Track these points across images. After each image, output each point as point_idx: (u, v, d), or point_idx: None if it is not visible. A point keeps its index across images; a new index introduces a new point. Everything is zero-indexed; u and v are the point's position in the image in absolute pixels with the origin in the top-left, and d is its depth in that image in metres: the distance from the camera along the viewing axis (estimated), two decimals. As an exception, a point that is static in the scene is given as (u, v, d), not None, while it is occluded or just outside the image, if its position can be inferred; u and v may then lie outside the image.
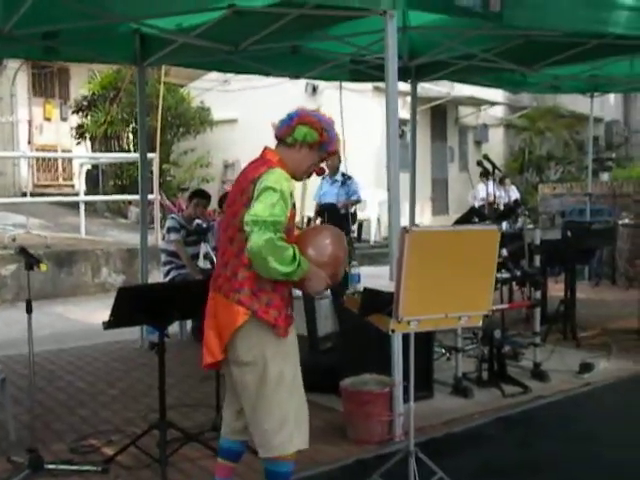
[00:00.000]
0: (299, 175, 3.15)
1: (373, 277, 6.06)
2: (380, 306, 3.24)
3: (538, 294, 5.77)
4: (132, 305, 3.68)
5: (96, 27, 5.77)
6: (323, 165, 3.25)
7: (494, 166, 6.08)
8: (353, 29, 5.86)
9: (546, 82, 8.66)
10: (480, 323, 3.51)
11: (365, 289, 3.37)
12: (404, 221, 5.07)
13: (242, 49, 5.94)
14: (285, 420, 3.01)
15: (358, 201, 9.13)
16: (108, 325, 3.62)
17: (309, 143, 3.08)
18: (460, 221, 5.58)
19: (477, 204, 14.56)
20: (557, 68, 7.57)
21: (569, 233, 6.71)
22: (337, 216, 8.17)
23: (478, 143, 20.73)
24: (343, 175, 8.83)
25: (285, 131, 3.11)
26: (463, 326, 3.72)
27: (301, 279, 2.94)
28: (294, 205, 3.03)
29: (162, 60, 6.81)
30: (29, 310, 3.69)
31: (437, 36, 6.38)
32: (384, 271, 7.18)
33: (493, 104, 19.99)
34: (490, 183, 14.94)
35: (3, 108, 15.24)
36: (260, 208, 2.85)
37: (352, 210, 8.89)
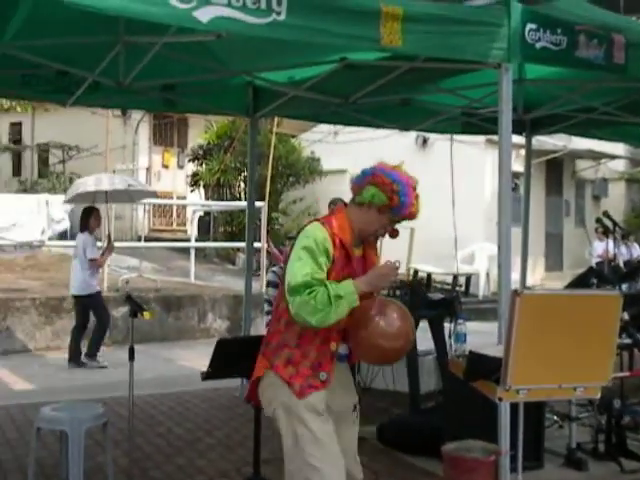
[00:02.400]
0: (365, 235, 2.99)
1: (481, 333, 5.84)
2: (487, 372, 3.05)
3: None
4: (230, 358, 3.64)
5: (211, 80, 5.97)
6: (397, 227, 3.05)
7: (615, 223, 5.81)
8: (465, 82, 5.74)
9: (673, 136, 8.21)
10: (598, 395, 3.26)
11: (471, 353, 3.20)
12: (515, 276, 4.84)
13: (352, 101, 5.94)
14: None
15: None
16: (206, 376, 3.60)
17: (377, 206, 2.91)
18: (577, 281, 5.30)
19: (594, 261, 13.98)
20: (684, 120, 7.17)
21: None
22: None
23: (596, 197, 20.00)
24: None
25: (356, 188, 2.99)
26: (578, 397, 3.47)
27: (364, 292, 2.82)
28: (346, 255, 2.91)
29: (273, 112, 6.93)
30: (131, 357, 3.72)
31: (554, 88, 6.16)
32: (493, 327, 6.94)
33: (613, 157, 19.27)
34: (609, 240, 14.38)
35: (126, 156, 16.00)
36: (291, 274, 2.80)
37: None
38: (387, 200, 2.88)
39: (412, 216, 2.97)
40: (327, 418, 2.90)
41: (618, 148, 18.52)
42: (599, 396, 3.32)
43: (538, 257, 17.45)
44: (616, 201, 19.78)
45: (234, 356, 3.67)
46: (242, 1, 3.18)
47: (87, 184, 8.55)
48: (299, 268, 2.78)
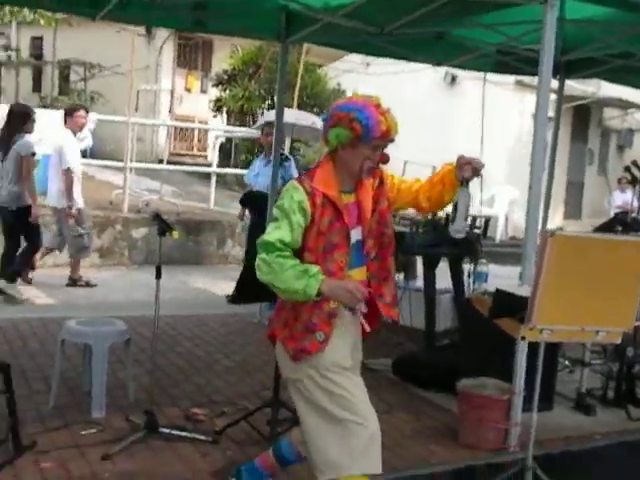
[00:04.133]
0: (358, 176, 2.85)
1: (497, 277, 5.85)
2: (512, 310, 3.07)
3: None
4: (256, 283, 3.65)
5: (244, 1, 5.84)
6: (385, 152, 2.86)
7: (643, 173, 5.73)
8: (504, 18, 5.58)
9: None
10: (619, 340, 3.28)
11: (498, 290, 3.21)
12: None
13: (387, 32, 5.81)
14: (332, 440, 2.77)
15: None
16: (232, 300, 3.63)
17: (346, 143, 2.77)
18: (602, 228, 5.27)
19: (613, 211, 13.90)
20: None
21: None
22: (265, 208, 6.96)
23: (621, 148, 19.70)
24: (281, 154, 7.48)
25: (325, 140, 2.88)
26: (600, 342, 3.49)
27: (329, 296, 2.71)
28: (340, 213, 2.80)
29: (305, 38, 6.80)
30: (159, 276, 3.76)
31: (595, 31, 5.99)
32: (508, 271, 6.97)
33: (641, 108, 18.92)
34: (629, 191, 14.22)
35: (148, 76, 15.83)
36: (266, 232, 2.78)
37: None
38: (350, 132, 2.74)
39: (387, 134, 2.78)
40: (353, 371, 2.89)
41: (647, 98, 18.17)
42: (619, 341, 3.34)
43: (558, 204, 17.32)
44: (640, 152, 19.52)
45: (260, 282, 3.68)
46: None
47: (272, 114, 8.43)
48: (274, 229, 2.75)
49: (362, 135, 2.74)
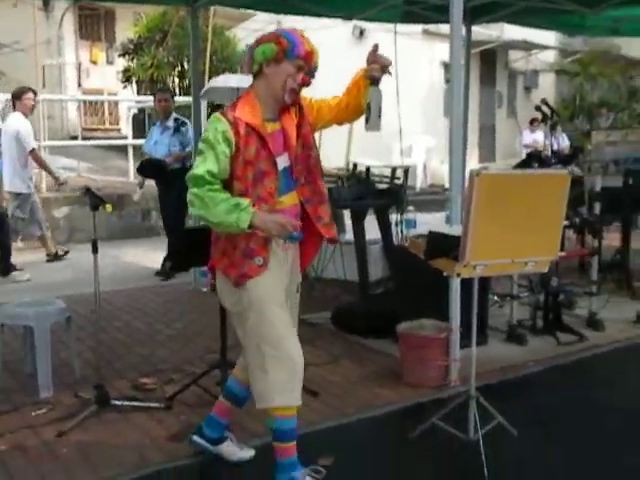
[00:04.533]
0: (282, 97, 2.88)
1: (423, 224, 6.01)
2: (446, 250, 3.21)
3: (596, 242, 5.68)
4: (190, 249, 3.69)
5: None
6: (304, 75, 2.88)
7: (553, 111, 5.96)
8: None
9: (605, 24, 8.35)
10: (547, 269, 3.47)
11: (431, 232, 3.34)
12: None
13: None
14: (262, 371, 2.91)
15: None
16: (169, 271, 3.64)
17: (271, 59, 2.84)
18: (519, 167, 5.48)
19: (523, 151, 14.34)
20: (619, 9, 7.29)
21: (631, 180, 6.52)
22: (166, 176, 7.02)
23: (527, 89, 20.27)
24: (176, 120, 7.37)
25: (248, 64, 2.93)
26: (529, 272, 3.68)
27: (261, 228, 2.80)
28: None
29: (214, 1, 6.72)
30: (95, 250, 3.73)
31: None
32: (432, 218, 7.16)
33: (545, 48, 19.44)
34: (539, 131, 14.64)
35: (51, 51, 15.29)
36: (194, 166, 2.83)
37: (189, 164, 7.08)
38: (276, 46, 2.82)
39: (310, 55, 2.86)
40: (281, 305, 2.95)
41: (549, 39, 18.68)
42: (547, 270, 3.53)
43: (472, 148, 17.71)
44: (546, 92, 20.03)
45: (195, 247, 3.70)
46: None
47: (217, 80, 8.47)
48: (201, 162, 2.80)
49: (287, 49, 2.82)
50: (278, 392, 2.89)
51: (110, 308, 6.05)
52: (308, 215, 3.02)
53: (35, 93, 7.91)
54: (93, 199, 3.63)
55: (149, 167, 7.22)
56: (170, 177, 6.94)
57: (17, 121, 7.58)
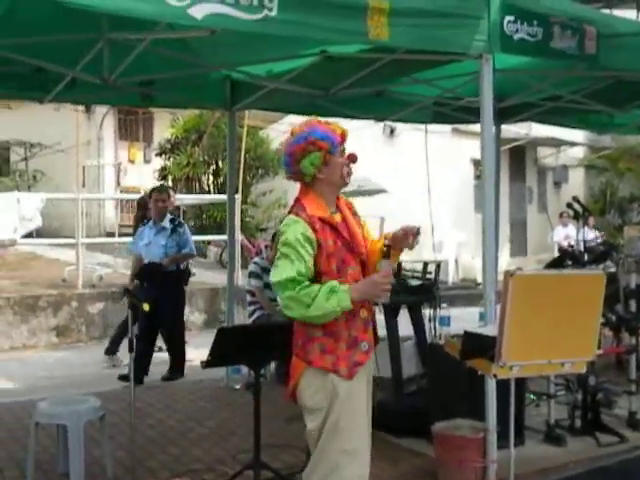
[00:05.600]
0: (340, 185, 3.04)
1: (455, 319, 5.99)
2: (482, 350, 3.20)
3: (633, 340, 5.59)
4: (230, 345, 3.73)
5: (189, 75, 6.00)
6: (350, 153, 3.05)
7: (584, 208, 6.00)
8: (439, 73, 5.88)
9: (634, 122, 8.47)
10: (584, 369, 3.43)
11: (466, 332, 3.34)
12: (479, 263, 4.97)
13: (332, 94, 6.03)
14: (334, 469, 2.94)
15: (192, 255, 7.25)
16: (207, 364, 3.67)
17: (321, 165, 2.95)
18: (553, 264, 5.48)
19: (555, 246, 14.33)
20: (646, 108, 7.41)
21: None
22: (164, 278, 6.67)
23: (557, 184, 20.40)
24: (172, 221, 7.01)
25: (297, 177, 3.04)
26: (566, 372, 3.63)
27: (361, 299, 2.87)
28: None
29: (251, 105, 6.98)
30: (131, 349, 3.78)
31: (524, 78, 6.33)
32: (463, 313, 7.11)
33: (573, 145, 19.67)
34: (570, 225, 14.62)
35: (91, 151, 15.87)
36: (275, 272, 2.90)
37: (183, 267, 7.11)
38: (320, 152, 2.92)
39: (344, 135, 2.99)
40: (368, 399, 3.03)
41: (577, 136, 18.91)
42: (584, 370, 3.49)
43: (504, 243, 17.75)
44: (576, 187, 20.19)
45: (234, 345, 3.75)
46: (235, -2, 3.26)
47: None
48: (288, 265, 2.85)
49: (330, 148, 2.93)
50: None
51: (141, 405, 6.01)
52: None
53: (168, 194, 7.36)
54: (130, 299, 3.70)
55: (149, 272, 6.74)
56: (167, 279, 6.74)
57: None
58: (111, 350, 7.70)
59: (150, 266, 6.77)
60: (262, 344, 3.84)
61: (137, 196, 15.81)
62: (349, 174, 3.02)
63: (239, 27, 3.38)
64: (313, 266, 2.90)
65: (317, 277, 2.90)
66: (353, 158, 3.02)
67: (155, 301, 7.11)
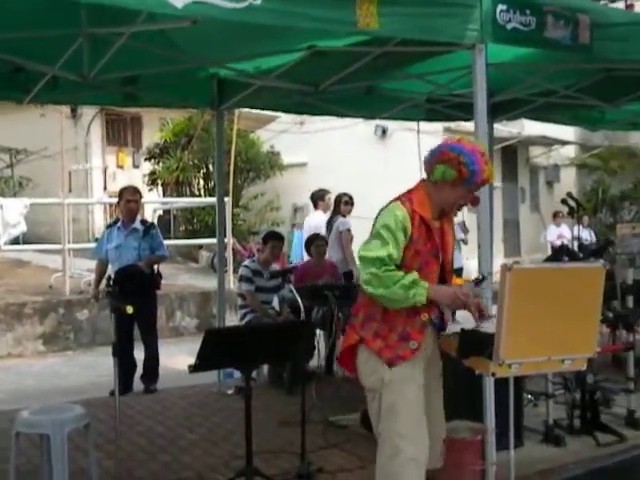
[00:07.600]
0: (448, 209, 3.17)
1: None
2: (479, 348, 3.07)
3: (630, 337, 5.50)
4: (219, 348, 3.59)
5: (174, 72, 5.84)
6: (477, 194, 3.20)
7: (579, 204, 5.92)
8: (433, 67, 5.76)
9: (625, 119, 8.39)
10: (584, 367, 3.31)
11: (463, 330, 3.21)
12: (474, 264, 4.89)
13: (322, 89, 5.89)
14: (396, 452, 3.07)
15: (165, 257, 6.99)
16: (194, 369, 3.53)
17: (449, 181, 3.06)
18: (550, 260, 5.38)
19: (549, 245, 14.28)
20: (637, 103, 7.33)
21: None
22: (141, 281, 6.30)
23: (549, 183, 20.35)
24: (143, 222, 6.76)
25: (427, 169, 3.15)
26: (566, 370, 3.52)
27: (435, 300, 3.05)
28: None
29: (239, 103, 6.85)
30: (115, 353, 3.65)
31: (516, 72, 6.21)
32: (459, 313, 7.00)
33: (564, 143, 19.61)
34: (563, 224, 14.56)
35: (78, 157, 15.70)
36: (367, 247, 3.02)
37: (155, 270, 6.71)
38: (456, 174, 3.02)
39: (486, 182, 3.11)
40: (419, 386, 3.13)
41: (569, 134, 18.87)
42: (585, 367, 3.37)
43: (497, 243, 17.67)
44: (568, 186, 20.08)
45: (222, 347, 3.61)
46: (217, -15, 3.14)
47: None
48: (381, 245, 2.99)
49: (466, 178, 3.04)
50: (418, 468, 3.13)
51: (131, 412, 5.88)
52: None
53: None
54: (113, 302, 3.57)
55: (127, 274, 6.25)
56: (143, 283, 6.36)
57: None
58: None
59: (128, 269, 6.36)
60: (252, 346, 3.71)
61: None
62: (458, 208, 3.20)
63: (221, 16, 3.25)
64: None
65: (398, 268, 3.03)
66: (474, 201, 3.18)
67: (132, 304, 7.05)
